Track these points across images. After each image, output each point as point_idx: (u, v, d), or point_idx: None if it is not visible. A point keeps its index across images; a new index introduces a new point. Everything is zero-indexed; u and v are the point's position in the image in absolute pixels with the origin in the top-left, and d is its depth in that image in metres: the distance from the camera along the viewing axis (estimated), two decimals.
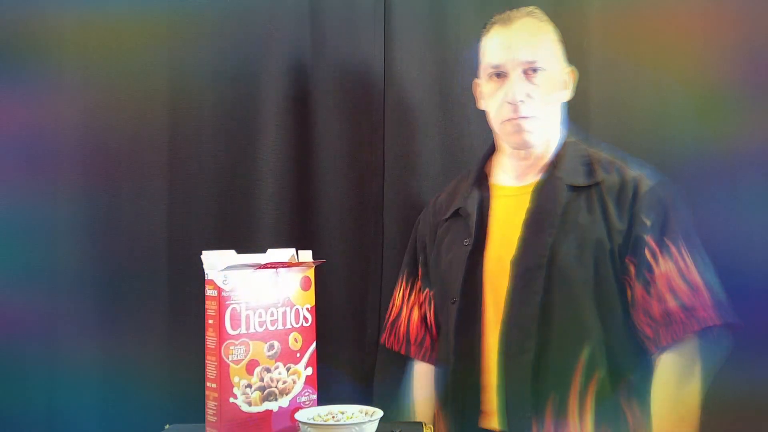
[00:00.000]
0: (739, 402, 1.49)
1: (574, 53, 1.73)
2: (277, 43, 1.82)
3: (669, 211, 1.37)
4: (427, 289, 1.59)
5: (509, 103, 1.40)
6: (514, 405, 1.37)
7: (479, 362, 1.42)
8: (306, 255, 1.36)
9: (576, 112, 1.73)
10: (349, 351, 1.77)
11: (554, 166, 1.44)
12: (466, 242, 1.46)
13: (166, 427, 1.35)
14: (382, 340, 1.65)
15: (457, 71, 1.78)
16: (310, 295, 1.35)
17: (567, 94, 1.49)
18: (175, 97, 1.81)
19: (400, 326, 1.61)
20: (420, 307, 1.60)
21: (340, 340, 1.74)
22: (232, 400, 1.24)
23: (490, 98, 1.46)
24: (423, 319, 1.59)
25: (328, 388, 1.44)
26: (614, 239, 1.35)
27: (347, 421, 1.22)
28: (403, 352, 1.61)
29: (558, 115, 1.48)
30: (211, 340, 1.25)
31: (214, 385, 1.24)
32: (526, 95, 1.40)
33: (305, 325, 1.34)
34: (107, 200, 1.77)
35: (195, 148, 1.81)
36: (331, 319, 1.69)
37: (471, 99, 1.65)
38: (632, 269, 1.36)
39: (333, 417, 1.25)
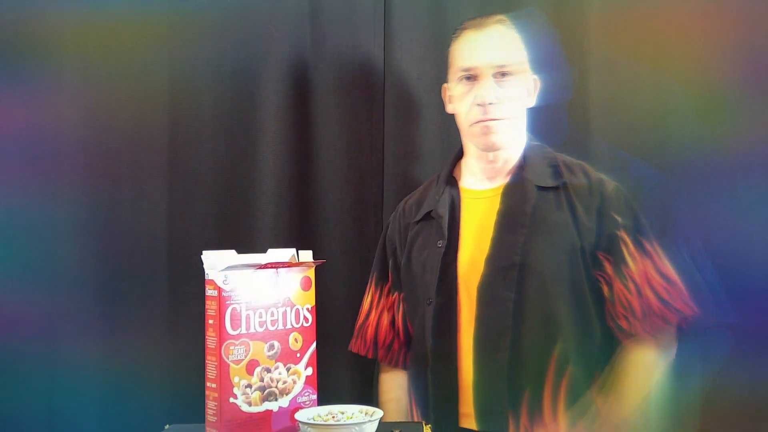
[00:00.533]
0: (739, 402, 1.50)
1: (574, 53, 1.74)
2: (277, 43, 1.82)
3: (637, 209, 1.44)
4: (396, 293, 1.61)
5: (479, 105, 1.44)
6: (489, 403, 1.40)
7: (456, 362, 1.44)
8: (306, 255, 1.36)
9: (576, 112, 1.73)
10: (349, 351, 1.77)
11: (522, 168, 1.49)
12: (439, 244, 1.49)
13: (166, 427, 1.35)
14: (350, 346, 1.65)
15: None
16: (311, 295, 1.35)
17: (532, 101, 1.53)
18: (175, 97, 1.81)
19: (367, 329, 1.63)
20: (389, 310, 1.62)
21: (341, 340, 1.74)
22: (232, 400, 1.24)
23: (460, 101, 1.50)
24: (391, 322, 1.61)
25: (329, 389, 1.45)
26: (584, 237, 1.40)
27: (347, 421, 1.22)
28: (370, 355, 1.62)
29: (524, 120, 1.52)
30: (211, 340, 1.25)
31: (214, 385, 1.24)
32: (496, 98, 1.44)
33: (305, 325, 1.34)
34: (107, 200, 1.77)
35: (195, 148, 1.81)
36: (332, 319, 1.68)
37: None
38: (608, 265, 1.40)
39: (333, 417, 1.25)
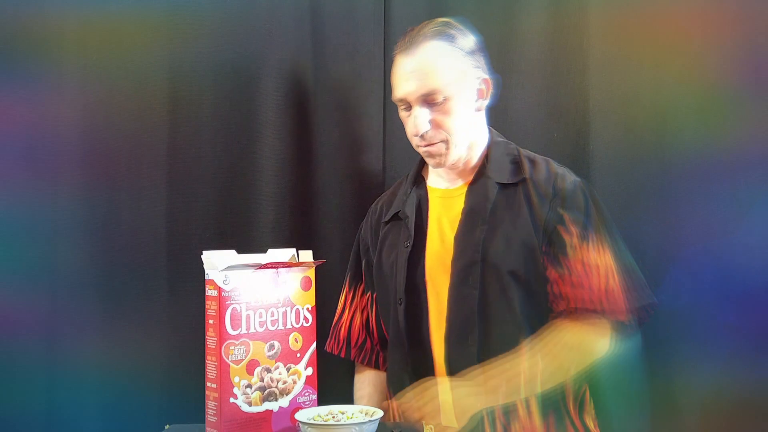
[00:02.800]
0: (739, 402, 1.50)
1: (574, 53, 1.74)
2: (277, 43, 1.82)
3: (590, 204, 1.45)
4: (369, 293, 1.63)
5: (416, 134, 1.45)
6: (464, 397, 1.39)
7: (431, 360, 1.46)
8: (306, 255, 1.36)
9: (576, 112, 1.73)
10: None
11: (484, 166, 1.50)
12: (406, 244, 1.50)
13: (166, 427, 1.35)
14: (325, 346, 1.64)
15: None
16: (311, 295, 1.35)
17: (484, 103, 1.51)
18: (174, 97, 1.81)
19: (340, 329, 1.64)
20: (362, 311, 1.63)
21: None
22: (232, 400, 1.24)
23: (404, 123, 1.51)
24: (365, 322, 1.63)
25: (329, 389, 1.44)
26: (539, 231, 1.42)
27: (347, 422, 1.22)
28: (343, 355, 1.63)
29: (478, 123, 1.52)
30: (211, 340, 1.25)
31: (214, 385, 1.24)
32: (431, 122, 1.43)
33: (305, 325, 1.34)
34: (107, 200, 1.77)
35: (195, 147, 1.81)
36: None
37: None
38: (550, 258, 1.42)
39: (333, 417, 1.25)
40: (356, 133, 1.84)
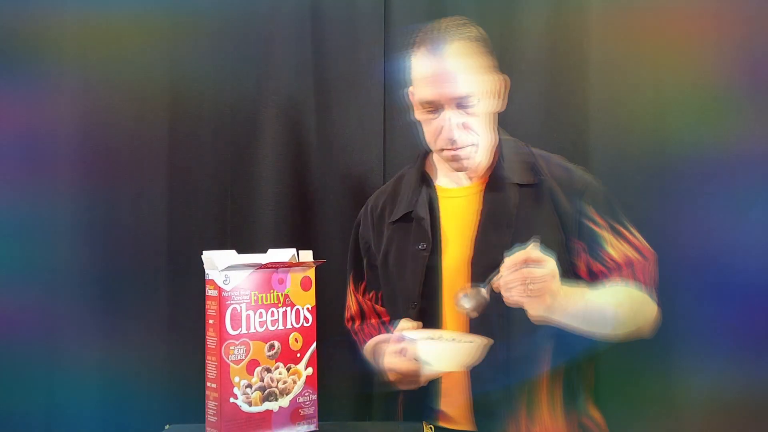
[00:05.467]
0: (739, 402, 1.50)
1: (574, 53, 1.74)
2: (277, 43, 1.82)
3: (607, 194, 1.44)
4: (373, 291, 1.58)
5: (447, 138, 1.39)
6: (486, 407, 1.38)
7: None
8: (306, 255, 1.36)
9: (576, 112, 1.74)
10: (349, 351, 1.77)
11: (499, 166, 1.46)
12: (422, 246, 1.45)
13: (166, 427, 1.35)
14: (356, 332, 1.59)
15: None
16: (311, 295, 1.35)
17: (501, 103, 1.48)
18: (175, 97, 1.81)
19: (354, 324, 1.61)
20: (371, 308, 1.60)
21: (341, 341, 1.74)
22: (232, 400, 1.23)
23: (425, 125, 1.44)
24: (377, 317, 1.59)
25: (329, 389, 1.44)
26: (567, 230, 1.39)
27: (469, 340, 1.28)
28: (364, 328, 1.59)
29: (493, 123, 1.48)
30: (211, 340, 1.25)
31: (214, 385, 1.24)
32: (462, 126, 1.39)
33: (306, 325, 1.34)
34: (107, 200, 1.77)
35: (195, 147, 1.81)
36: (332, 319, 1.68)
37: None
38: (582, 253, 1.40)
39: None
40: (356, 133, 1.84)
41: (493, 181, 1.45)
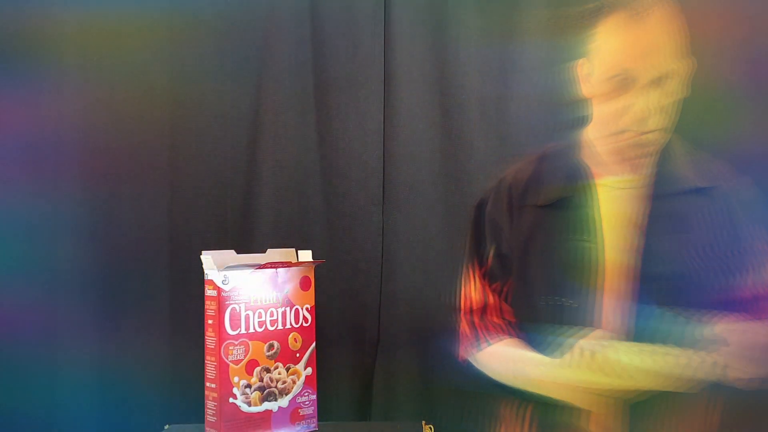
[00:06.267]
0: (739, 402, 1.49)
1: (575, 51, 1.73)
2: (276, 43, 1.82)
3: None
4: (498, 283, 1.36)
5: (639, 119, 1.21)
6: None
7: None
8: (306, 255, 1.36)
9: (577, 111, 1.73)
10: (348, 351, 1.77)
11: (668, 163, 1.28)
12: (585, 238, 1.26)
13: (166, 427, 1.35)
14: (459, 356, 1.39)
15: (457, 71, 1.78)
16: (310, 295, 1.35)
17: (687, 90, 1.27)
18: (175, 97, 1.81)
19: (468, 326, 1.38)
20: (495, 304, 1.38)
21: (340, 341, 1.74)
22: (231, 400, 1.24)
23: (606, 100, 1.24)
24: (500, 314, 1.38)
25: (328, 389, 1.44)
26: (738, 242, 1.24)
27: None
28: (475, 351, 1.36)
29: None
30: (210, 340, 1.25)
31: (213, 386, 1.24)
32: (658, 108, 1.20)
33: (305, 325, 1.34)
34: (107, 200, 1.77)
35: (195, 148, 1.81)
36: (331, 319, 1.69)
37: (471, 98, 1.64)
38: (750, 272, 1.24)
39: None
40: (356, 133, 1.84)
41: (664, 178, 1.27)
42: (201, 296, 1.27)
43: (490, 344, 1.33)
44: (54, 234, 1.74)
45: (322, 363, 1.38)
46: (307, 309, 1.34)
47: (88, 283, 1.75)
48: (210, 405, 1.25)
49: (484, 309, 1.37)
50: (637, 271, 1.22)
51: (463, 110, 1.78)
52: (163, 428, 1.35)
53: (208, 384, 1.25)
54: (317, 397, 1.34)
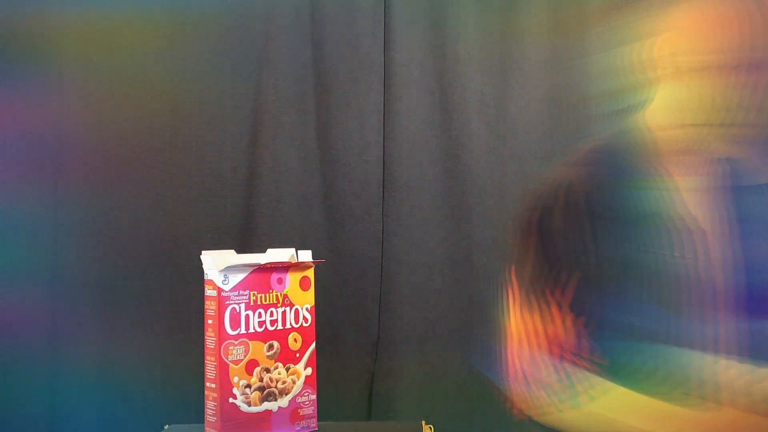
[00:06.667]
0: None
1: (574, 51, 1.73)
2: (277, 43, 1.82)
3: None
4: (582, 317, 1.05)
5: (733, 105, 1.06)
6: None
7: None
8: (306, 255, 1.36)
9: (577, 110, 1.73)
10: (348, 351, 1.77)
11: (747, 160, 1.09)
12: (685, 255, 1.05)
13: (166, 427, 1.35)
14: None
15: (457, 71, 1.78)
16: (310, 295, 1.35)
17: None
18: (175, 97, 1.81)
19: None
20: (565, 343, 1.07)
21: (340, 340, 1.74)
22: (231, 400, 1.23)
23: (681, 84, 1.06)
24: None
25: (328, 389, 1.44)
26: None
27: None
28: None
29: None
30: (210, 340, 1.25)
31: (213, 386, 1.24)
32: (748, 98, 1.07)
33: (305, 325, 1.34)
34: (107, 200, 1.77)
35: (195, 148, 1.81)
36: (331, 319, 1.68)
37: (471, 98, 1.64)
38: None
39: None
40: (356, 133, 1.84)
41: (744, 176, 1.09)
42: (201, 296, 1.27)
43: (590, 397, 1.02)
44: (54, 234, 1.74)
45: (322, 363, 1.38)
46: (307, 309, 1.34)
47: (88, 283, 1.75)
48: (210, 405, 1.25)
49: (567, 349, 1.06)
50: (740, 286, 1.03)
51: (464, 110, 1.78)
52: (163, 428, 1.34)
53: (207, 384, 1.25)
54: (317, 397, 1.34)
